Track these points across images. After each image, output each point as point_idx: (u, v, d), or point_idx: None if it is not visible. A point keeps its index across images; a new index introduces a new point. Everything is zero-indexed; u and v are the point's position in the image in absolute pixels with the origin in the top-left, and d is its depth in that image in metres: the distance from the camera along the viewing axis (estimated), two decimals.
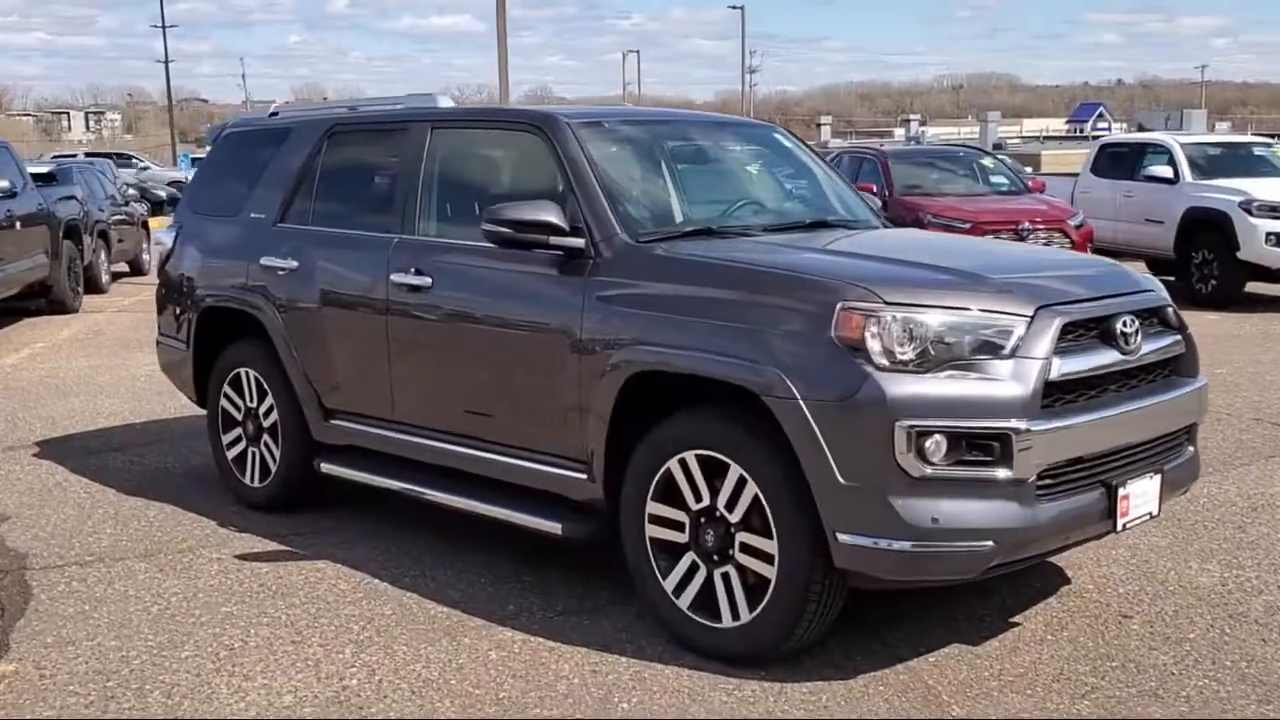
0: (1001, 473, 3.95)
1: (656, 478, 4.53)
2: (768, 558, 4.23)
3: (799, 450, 4.05)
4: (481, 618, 4.91)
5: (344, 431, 5.95)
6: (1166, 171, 15.40)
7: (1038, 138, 74.02)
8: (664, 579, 4.55)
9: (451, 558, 5.62)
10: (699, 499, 4.43)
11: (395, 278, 5.47)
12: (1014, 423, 3.94)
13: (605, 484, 4.73)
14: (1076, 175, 17.65)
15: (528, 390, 5.02)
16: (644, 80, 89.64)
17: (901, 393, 3.92)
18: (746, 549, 4.31)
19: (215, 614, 4.99)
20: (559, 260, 4.88)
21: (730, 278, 4.41)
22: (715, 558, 4.40)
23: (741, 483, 4.27)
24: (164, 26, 61.34)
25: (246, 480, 6.48)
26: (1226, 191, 14.50)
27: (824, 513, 4.04)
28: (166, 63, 60.24)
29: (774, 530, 4.19)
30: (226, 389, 6.55)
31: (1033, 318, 4.10)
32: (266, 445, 6.36)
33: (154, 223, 21.86)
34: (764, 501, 4.20)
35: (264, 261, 6.17)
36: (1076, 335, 4.22)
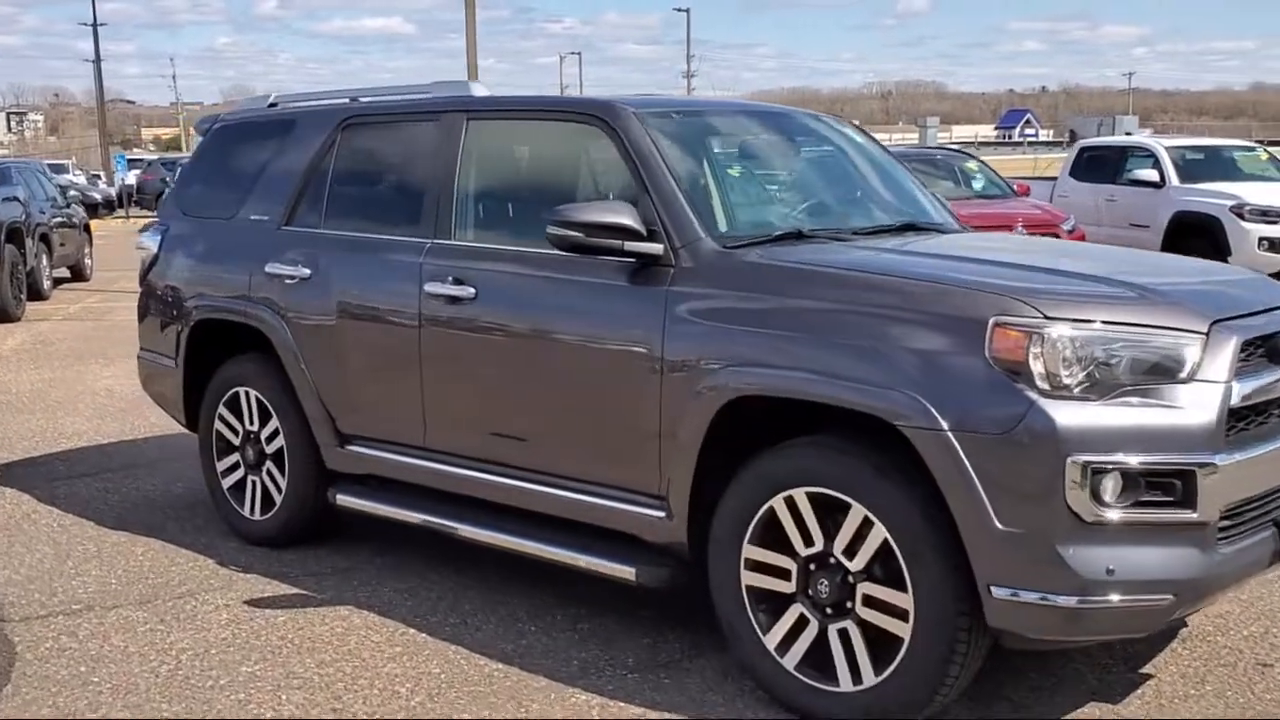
0: (1185, 514, 3.42)
1: (756, 518, 3.95)
2: (899, 613, 3.67)
3: (946, 490, 3.49)
4: (545, 676, 4.30)
5: (363, 459, 5.31)
6: (1152, 175, 15.11)
7: (971, 143, 74.43)
8: (764, 634, 3.97)
9: (491, 601, 5.00)
10: (809, 543, 3.86)
11: (430, 288, 4.85)
12: (1199, 457, 3.41)
13: (689, 523, 4.16)
14: (1054, 179, 17.32)
15: (591, 416, 4.42)
16: (578, 84, 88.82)
17: (1073, 423, 3.37)
18: (870, 602, 3.74)
19: (235, 675, 4.34)
20: (629, 269, 4.30)
21: (852, 288, 3.84)
22: (829, 611, 3.83)
23: (866, 526, 3.70)
24: (95, 24, 59.35)
25: (246, 512, 5.81)
26: (1217, 195, 14.23)
27: (976, 563, 3.48)
28: (98, 62, 58.22)
29: (909, 582, 3.62)
30: (222, 410, 5.88)
31: (1207, 335, 3.57)
32: (270, 474, 5.70)
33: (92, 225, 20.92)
34: (896, 549, 3.64)
35: (270, 269, 5.51)
36: (1247, 354, 3.70)
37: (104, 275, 19.52)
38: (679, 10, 68.34)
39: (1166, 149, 15.41)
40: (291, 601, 5.06)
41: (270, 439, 5.67)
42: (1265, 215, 13.77)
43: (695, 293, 4.13)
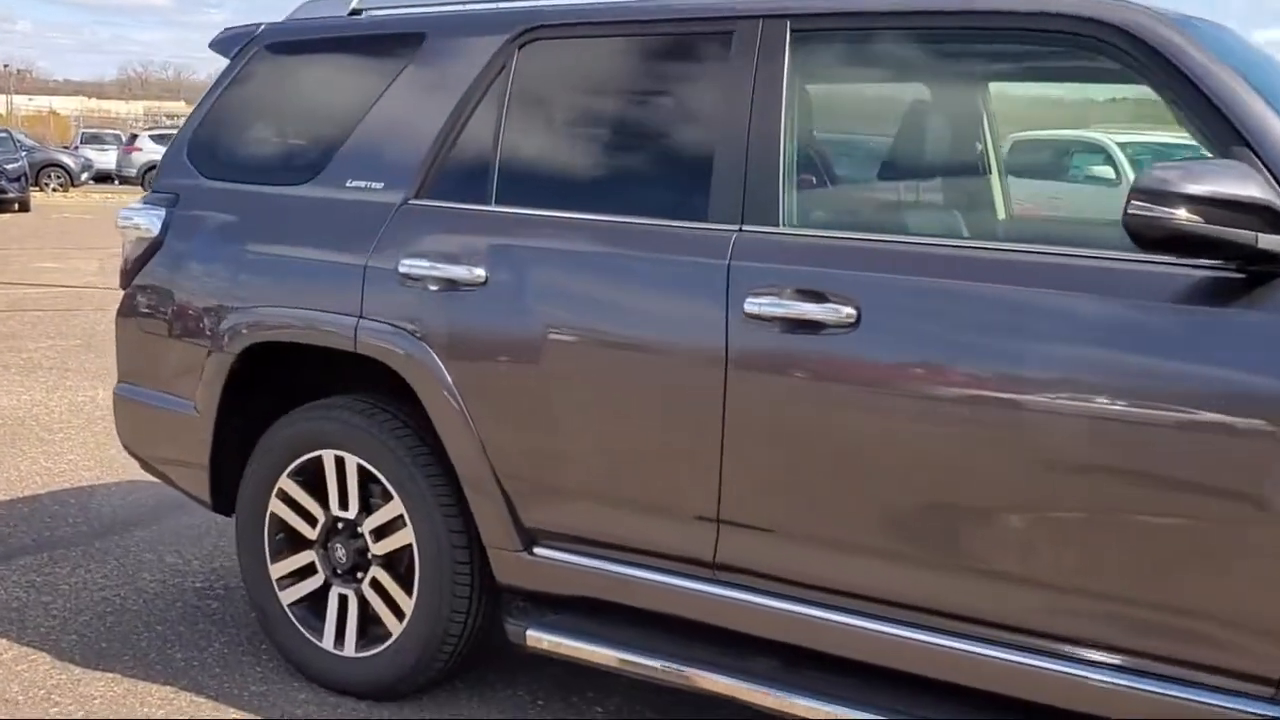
0: None
1: None
2: None
3: None
4: None
5: (569, 573, 3.32)
6: (1106, 172, 14.10)
7: None
8: None
9: None
10: None
11: (753, 306, 2.92)
12: None
13: None
14: None
15: (1123, 538, 2.59)
16: None
17: None
18: None
19: None
20: (1205, 284, 2.52)
21: None
22: None
23: None
24: None
25: (327, 644, 3.71)
26: None
27: None
28: None
29: None
30: (286, 484, 3.75)
31: None
32: (377, 586, 3.63)
33: None
34: None
35: (405, 268, 3.45)
36: None
37: None
38: None
39: (1119, 144, 14.41)
40: None
41: (383, 532, 3.60)
42: None
43: None
